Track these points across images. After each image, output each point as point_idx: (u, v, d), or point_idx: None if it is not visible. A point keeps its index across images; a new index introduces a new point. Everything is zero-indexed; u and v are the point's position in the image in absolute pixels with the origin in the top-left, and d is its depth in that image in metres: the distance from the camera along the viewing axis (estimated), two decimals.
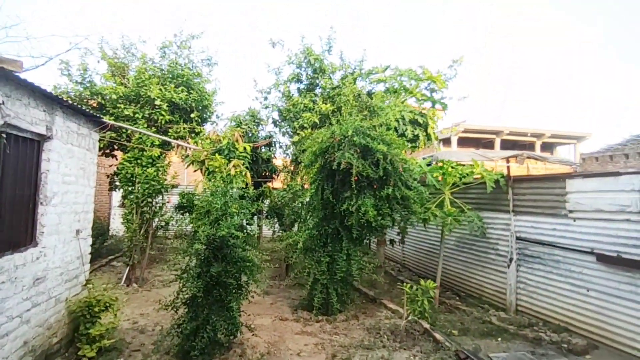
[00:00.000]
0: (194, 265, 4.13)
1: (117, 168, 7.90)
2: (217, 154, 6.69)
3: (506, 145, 20.90)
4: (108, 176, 9.32)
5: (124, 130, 7.91)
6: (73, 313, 4.28)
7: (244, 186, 6.55)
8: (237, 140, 6.89)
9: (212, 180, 6.34)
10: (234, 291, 4.22)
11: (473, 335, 5.15)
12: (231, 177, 6.39)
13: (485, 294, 6.76)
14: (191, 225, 4.21)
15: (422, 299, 4.90)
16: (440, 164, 6.43)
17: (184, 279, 4.09)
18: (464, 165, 6.63)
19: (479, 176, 6.33)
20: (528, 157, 12.27)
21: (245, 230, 4.75)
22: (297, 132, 7.68)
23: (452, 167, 6.26)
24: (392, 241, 7.95)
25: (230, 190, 4.74)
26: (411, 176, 5.69)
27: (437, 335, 4.74)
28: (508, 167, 6.63)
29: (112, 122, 5.17)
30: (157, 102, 7.76)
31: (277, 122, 8.83)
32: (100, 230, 9.08)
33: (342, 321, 5.73)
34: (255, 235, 12.32)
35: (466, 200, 6.70)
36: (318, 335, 5.13)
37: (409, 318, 5.02)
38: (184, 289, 4.16)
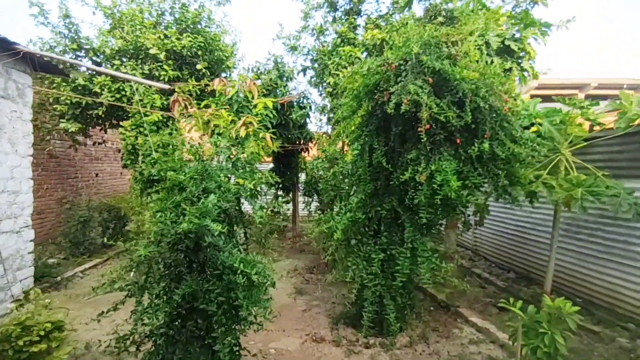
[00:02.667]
0: (156, 278, 2.42)
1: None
2: (223, 110, 4.94)
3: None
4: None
5: (124, 93, 6.42)
6: None
7: (257, 152, 4.73)
8: (250, 91, 5.03)
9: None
10: (222, 320, 2.44)
11: None
12: (240, 140, 4.58)
13: (623, 303, 4.45)
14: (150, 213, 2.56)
15: (550, 331, 2.81)
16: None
17: (138, 304, 2.39)
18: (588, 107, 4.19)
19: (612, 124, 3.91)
20: None
21: (243, 219, 2.87)
22: (333, 73, 5.61)
23: (583, 107, 3.89)
24: (466, 223, 5.75)
25: (226, 151, 2.94)
26: (519, 124, 3.46)
27: None
28: None
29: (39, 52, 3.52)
30: (153, 52, 6.10)
31: (308, 69, 6.72)
32: (117, 214, 7.91)
33: (404, 346, 3.84)
34: (286, 216, 10.70)
35: (587, 163, 4.32)
36: None
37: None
38: (143, 317, 2.47)
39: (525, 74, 5.52)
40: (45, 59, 3.55)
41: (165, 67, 6.36)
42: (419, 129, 3.20)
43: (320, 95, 6.61)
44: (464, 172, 3.36)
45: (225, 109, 5.12)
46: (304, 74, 6.69)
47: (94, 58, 6.60)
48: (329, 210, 6.01)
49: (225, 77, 7.22)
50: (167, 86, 5.21)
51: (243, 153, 4.09)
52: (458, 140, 3.32)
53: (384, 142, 3.67)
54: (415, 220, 3.72)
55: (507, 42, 5.23)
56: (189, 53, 6.57)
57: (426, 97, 3.12)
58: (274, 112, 7.09)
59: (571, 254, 5.26)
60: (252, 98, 5.34)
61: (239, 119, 4.74)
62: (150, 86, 6.13)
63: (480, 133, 3.30)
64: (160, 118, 6.12)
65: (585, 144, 4.15)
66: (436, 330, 4.22)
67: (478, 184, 3.44)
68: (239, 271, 2.17)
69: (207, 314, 2.31)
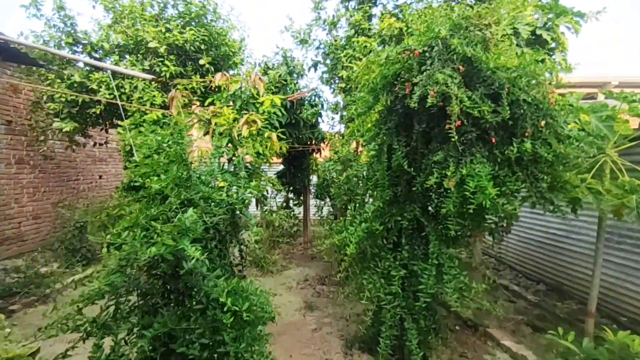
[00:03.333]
0: (124, 313, 1.99)
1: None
2: (225, 107, 4.53)
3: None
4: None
5: (124, 90, 6.08)
6: None
7: (262, 153, 4.30)
8: (255, 86, 4.60)
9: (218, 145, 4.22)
10: None
11: None
12: (241, 141, 4.17)
13: None
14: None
15: None
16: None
17: (97, 349, 1.94)
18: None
19: None
20: None
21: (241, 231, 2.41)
22: (346, 66, 5.13)
23: (634, 101, 3.34)
24: (494, 231, 5.22)
25: (215, 153, 2.51)
26: (564, 120, 2.94)
27: None
28: None
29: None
30: (152, 45, 5.74)
31: (319, 64, 6.23)
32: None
33: None
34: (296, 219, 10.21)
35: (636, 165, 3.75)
36: None
37: None
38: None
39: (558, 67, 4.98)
40: (11, 45, 3.17)
41: (166, 62, 5.99)
42: (448, 126, 2.72)
43: (333, 92, 6.14)
44: (500, 176, 2.86)
45: (228, 106, 4.71)
46: (315, 69, 6.23)
47: (92, 54, 6.28)
48: (341, 217, 5.54)
49: (232, 74, 6.84)
50: (149, 76, 4.80)
51: (240, 155, 3.67)
52: (493, 140, 2.82)
53: (405, 142, 3.18)
54: (441, 232, 3.23)
55: (538, 32, 4.70)
56: (192, 48, 6.19)
57: (457, 89, 2.64)
58: (283, 110, 6.68)
59: (613, 267, 4.69)
60: (258, 94, 4.93)
61: (242, 117, 4.33)
62: (147, 80, 5.77)
63: (520, 131, 2.79)
64: (160, 117, 5.75)
65: (632, 143, 3.60)
66: (464, 356, 3.71)
67: (516, 190, 2.93)
68: (225, 307, 1.73)
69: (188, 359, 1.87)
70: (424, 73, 2.79)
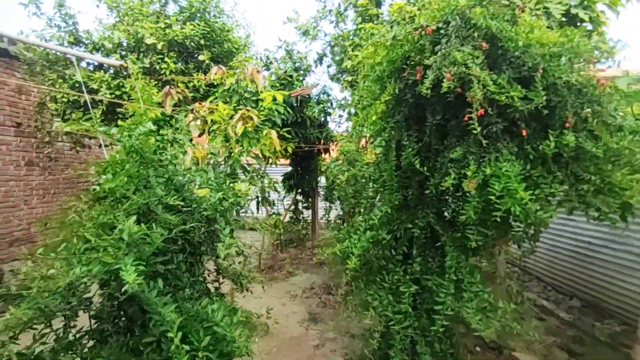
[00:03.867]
0: (64, 344, 1.62)
1: None
2: (220, 103, 4.18)
3: None
4: None
5: (125, 90, 5.84)
6: None
7: (260, 152, 3.93)
8: (252, 79, 4.22)
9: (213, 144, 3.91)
10: None
11: None
12: (239, 139, 3.79)
13: None
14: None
15: None
16: None
17: None
18: None
19: None
20: None
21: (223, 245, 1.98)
22: (351, 56, 4.69)
23: None
24: (521, 240, 4.65)
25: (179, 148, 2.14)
26: (615, 107, 2.41)
27: None
28: None
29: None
30: (149, 41, 5.46)
31: (325, 56, 5.79)
32: None
33: None
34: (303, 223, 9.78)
35: None
36: None
37: None
38: None
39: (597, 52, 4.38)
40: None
41: (166, 59, 5.72)
42: (468, 117, 2.25)
43: (340, 86, 5.71)
44: (533, 177, 2.36)
45: (225, 102, 4.36)
46: (320, 63, 5.81)
47: (94, 53, 6.08)
48: (351, 219, 5.09)
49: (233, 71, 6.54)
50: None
51: (235, 156, 3.32)
52: (524, 132, 2.33)
53: (417, 137, 2.72)
54: (459, 241, 2.75)
55: (573, 10, 4.13)
56: (192, 44, 5.90)
57: (479, 70, 2.17)
58: (288, 108, 6.30)
59: None
60: (257, 90, 4.57)
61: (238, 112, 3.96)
62: (147, 78, 5.50)
63: (558, 121, 2.29)
64: (160, 116, 5.47)
65: None
66: None
67: (552, 193, 2.42)
68: (176, 344, 1.33)
69: None
70: (438, 53, 2.33)
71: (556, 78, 2.21)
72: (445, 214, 2.83)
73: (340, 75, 5.58)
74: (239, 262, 2.45)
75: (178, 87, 5.50)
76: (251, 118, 3.87)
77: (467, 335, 4.19)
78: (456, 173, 2.39)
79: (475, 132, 2.22)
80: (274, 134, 4.29)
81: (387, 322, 2.91)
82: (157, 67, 5.89)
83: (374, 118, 3.01)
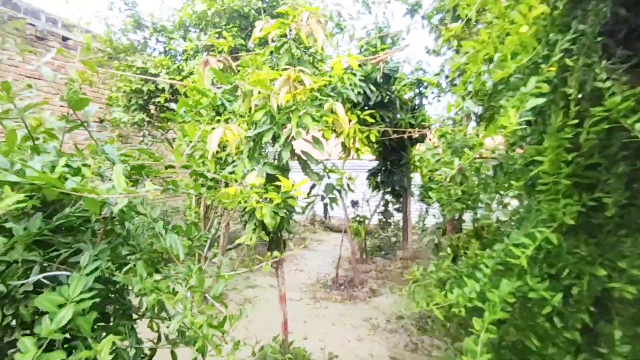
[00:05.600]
0: None
1: None
2: (266, 67, 3.06)
3: None
4: None
5: (183, 75, 5.25)
6: None
7: (315, 131, 2.69)
8: (309, 33, 2.98)
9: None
10: None
11: None
12: (285, 113, 2.61)
13: None
14: None
15: None
16: None
17: None
18: None
19: None
20: None
21: None
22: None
23: None
24: None
25: None
26: None
27: None
28: None
29: None
30: (200, 9, 4.69)
31: (418, 7, 4.19)
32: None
33: None
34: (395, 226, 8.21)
35: None
36: None
37: None
38: None
39: None
40: None
41: (224, 33, 4.91)
42: None
43: (439, 40, 4.05)
44: None
45: (272, 66, 3.25)
46: (412, 16, 4.25)
47: (156, 36, 5.69)
48: (452, 234, 3.49)
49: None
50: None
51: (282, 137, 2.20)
52: None
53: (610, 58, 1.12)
54: None
55: None
56: (252, 11, 4.98)
57: None
58: (371, 86, 4.96)
59: None
60: (318, 49, 3.31)
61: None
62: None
63: None
64: (212, 97, 4.69)
65: None
66: None
67: None
68: None
69: None
70: None
71: None
72: None
73: (438, 28, 3.95)
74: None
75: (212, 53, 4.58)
76: (302, 82, 2.63)
77: None
78: None
79: None
80: (339, 107, 2.97)
81: None
82: (214, 44, 5.15)
83: (513, 46, 1.46)
